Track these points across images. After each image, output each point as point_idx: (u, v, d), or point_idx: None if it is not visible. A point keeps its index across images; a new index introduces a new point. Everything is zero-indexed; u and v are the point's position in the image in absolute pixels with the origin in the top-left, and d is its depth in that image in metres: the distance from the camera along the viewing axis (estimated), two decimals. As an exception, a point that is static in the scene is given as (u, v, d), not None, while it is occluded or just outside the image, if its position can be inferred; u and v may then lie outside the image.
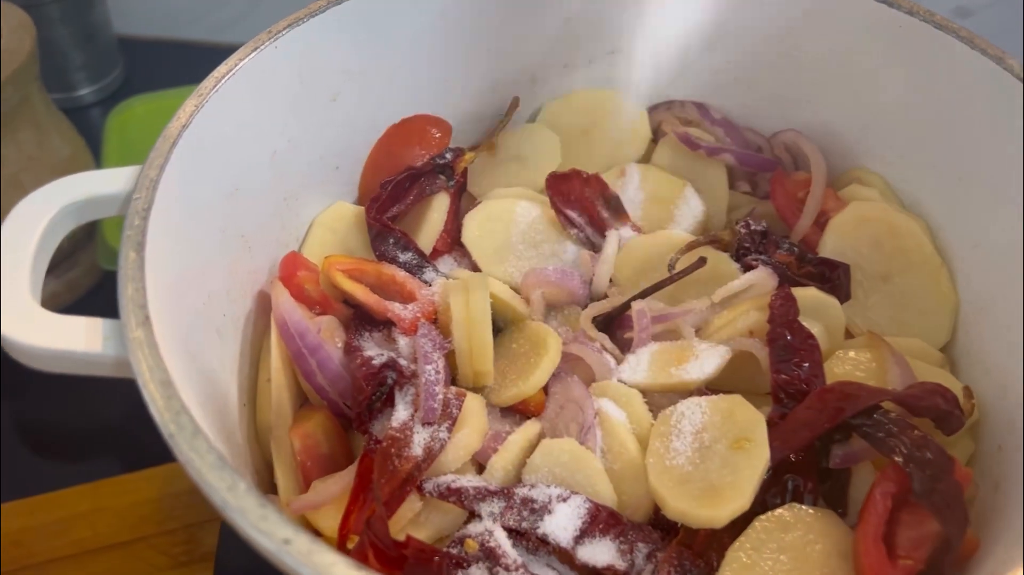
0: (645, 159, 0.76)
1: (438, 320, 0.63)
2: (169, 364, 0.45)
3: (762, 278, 0.63)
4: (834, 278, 0.64)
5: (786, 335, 0.60)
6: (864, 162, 0.73)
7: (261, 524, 0.39)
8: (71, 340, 0.48)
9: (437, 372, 0.58)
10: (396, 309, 0.62)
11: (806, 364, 0.59)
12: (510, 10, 0.72)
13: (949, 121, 0.65)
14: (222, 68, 0.59)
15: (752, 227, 0.65)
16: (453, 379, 0.62)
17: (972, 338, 0.65)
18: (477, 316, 0.60)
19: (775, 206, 0.72)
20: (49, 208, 0.53)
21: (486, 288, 0.61)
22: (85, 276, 0.95)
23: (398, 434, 0.55)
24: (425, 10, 0.69)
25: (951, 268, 0.67)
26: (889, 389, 0.58)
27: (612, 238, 0.68)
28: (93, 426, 0.87)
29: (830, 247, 0.68)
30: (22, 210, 0.52)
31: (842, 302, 0.64)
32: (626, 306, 0.65)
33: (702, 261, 0.64)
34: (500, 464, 0.57)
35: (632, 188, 0.73)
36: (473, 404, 0.59)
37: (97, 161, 1.00)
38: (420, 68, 0.72)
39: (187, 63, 1.25)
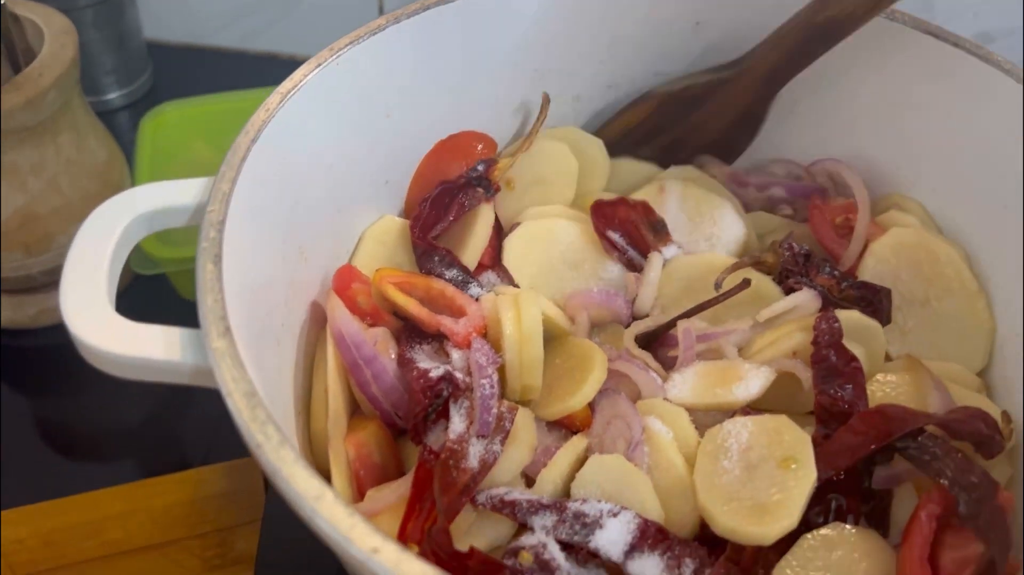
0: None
1: (487, 334, 0.64)
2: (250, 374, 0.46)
3: (806, 300, 0.65)
4: (876, 302, 0.66)
5: (830, 357, 0.61)
6: (902, 189, 0.74)
7: (351, 533, 0.40)
8: (149, 348, 0.49)
9: (492, 386, 0.59)
10: (449, 323, 0.63)
11: (849, 386, 0.60)
12: (556, 30, 0.74)
13: (993, 152, 0.66)
14: (287, 84, 0.60)
15: (796, 250, 0.67)
16: (502, 392, 0.63)
17: (1009, 364, 0.66)
18: (529, 332, 0.61)
19: (813, 231, 0.73)
20: (123, 217, 0.54)
21: (538, 305, 0.62)
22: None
23: (456, 446, 0.57)
24: (476, 29, 0.70)
25: (989, 295, 0.68)
26: (932, 413, 0.59)
27: (656, 261, 0.69)
28: (115, 429, 0.88)
29: (869, 272, 0.69)
30: (96, 218, 0.53)
31: (883, 326, 0.65)
32: (669, 325, 0.66)
33: (746, 283, 0.65)
34: (550, 478, 0.59)
35: (673, 207, 0.74)
36: (523, 419, 0.60)
37: (129, 165, 1.00)
38: (471, 86, 0.73)
39: (215, 69, 1.27)
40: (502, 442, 0.57)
